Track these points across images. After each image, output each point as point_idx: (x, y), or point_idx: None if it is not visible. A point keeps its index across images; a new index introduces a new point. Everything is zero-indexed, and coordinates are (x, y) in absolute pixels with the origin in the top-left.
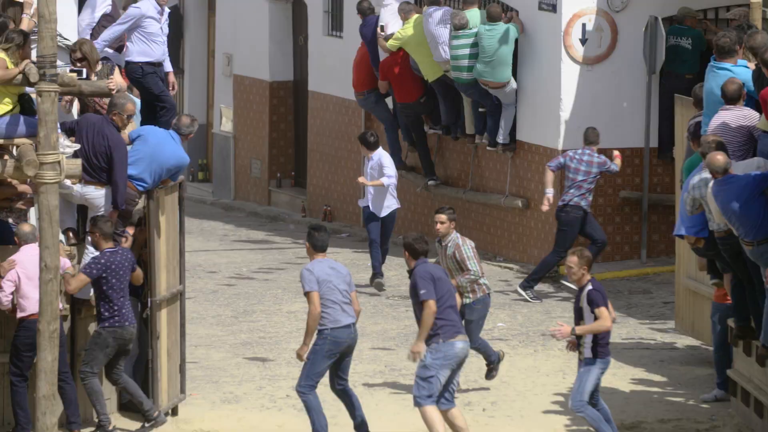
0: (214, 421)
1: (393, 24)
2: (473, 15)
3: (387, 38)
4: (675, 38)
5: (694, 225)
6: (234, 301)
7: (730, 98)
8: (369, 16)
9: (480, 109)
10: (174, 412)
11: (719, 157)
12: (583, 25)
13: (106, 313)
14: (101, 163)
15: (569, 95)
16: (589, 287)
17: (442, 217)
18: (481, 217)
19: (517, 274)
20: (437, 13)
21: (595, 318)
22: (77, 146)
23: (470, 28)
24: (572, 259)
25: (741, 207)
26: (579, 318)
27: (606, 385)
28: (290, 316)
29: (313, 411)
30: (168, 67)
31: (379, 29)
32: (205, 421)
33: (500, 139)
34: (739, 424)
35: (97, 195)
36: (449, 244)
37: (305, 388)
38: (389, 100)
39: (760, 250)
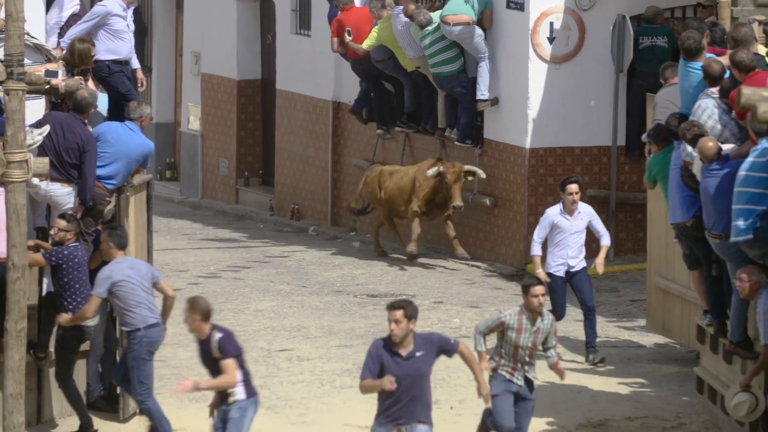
0: (181, 419)
1: None
2: (436, 14)
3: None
4: (651, 38)
5: (687, 209)
6: None
7: (715, 79)
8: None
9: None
10: (141, 410)
11: (710, 144)
12: (551, 23)
13: (69, 307)
14: (72, 159)
15: (537, 94)
16: (218, 335)
17: (542, 289)
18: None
19: (485, 272)
20: (402, 15)
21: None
22: (47, 128)
23: (434, 23)
24: (185, 308)
25: (718, 195)
26: (217, 370)
27: (574, 383)
28: (258, 314)
29: (155, 417)
30: (135, 63)
31: (345, 33)
32: (173, 420)
33: (481, 95)
34: (705, 422)
35: (62, 193)
36: (545, 319)
37: (144, 395)
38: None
39: (726, 244)
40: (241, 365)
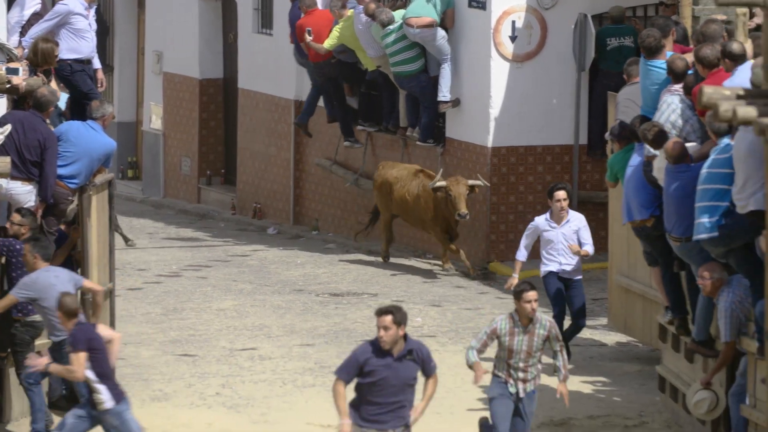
0: (143, 419)
1: None
2: (398, 13)
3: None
4: (618, 39)
5: (646, 207)
6: (163, 299)
7: (678, 75)
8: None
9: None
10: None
11: (677, 145)
12: (513, 22)
13: (17, 306)
14: (33, 157)
15: (499, 92)
16: (74, 330)
17: (535, 294)
18: None
19: (446, 271)
20: (362, 14)
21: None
22: (8, 127)
23: (396, 22)
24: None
25: (681, 197)
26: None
27: None
28: (219, 313)
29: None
30: (97, 64)
31: (306, 34)
32: None
33: (442, 96)
34: (667, 420)
35: (22, 191)
36: (541, 323)
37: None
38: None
39: (687, 246)
40: (100, 367)
